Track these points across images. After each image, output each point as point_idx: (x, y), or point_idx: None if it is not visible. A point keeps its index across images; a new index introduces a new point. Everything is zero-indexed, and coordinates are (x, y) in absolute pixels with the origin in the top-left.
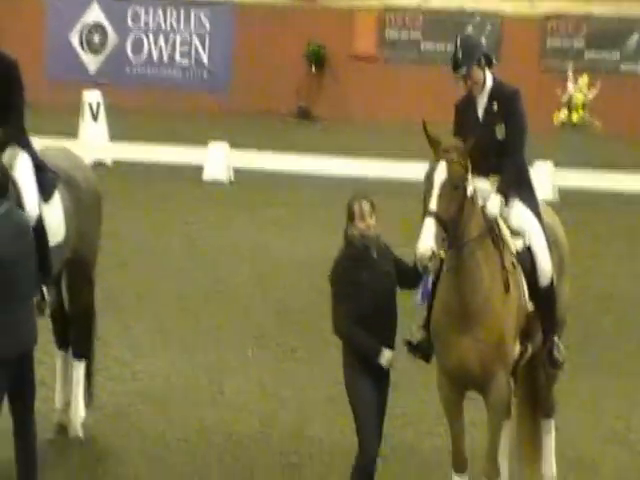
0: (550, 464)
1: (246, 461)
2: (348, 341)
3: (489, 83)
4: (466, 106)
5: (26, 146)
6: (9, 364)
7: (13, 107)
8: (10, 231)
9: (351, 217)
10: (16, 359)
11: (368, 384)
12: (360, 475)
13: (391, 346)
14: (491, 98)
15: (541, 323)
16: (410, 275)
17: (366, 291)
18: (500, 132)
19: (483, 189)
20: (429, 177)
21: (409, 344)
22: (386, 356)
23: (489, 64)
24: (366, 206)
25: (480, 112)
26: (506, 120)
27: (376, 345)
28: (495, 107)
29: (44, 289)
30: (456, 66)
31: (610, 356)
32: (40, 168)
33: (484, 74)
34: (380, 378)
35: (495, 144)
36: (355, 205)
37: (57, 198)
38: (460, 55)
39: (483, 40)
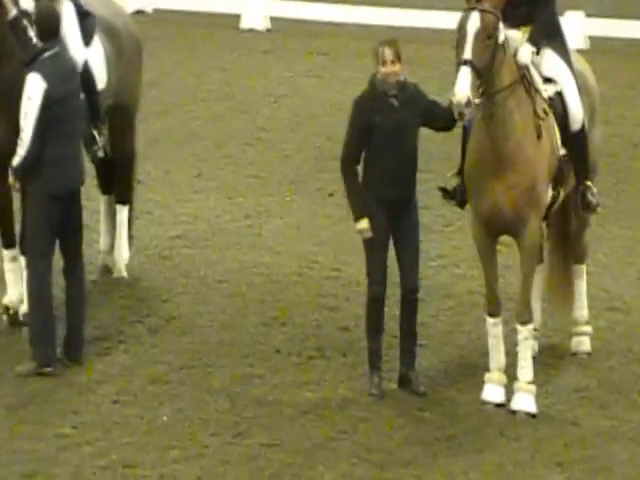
0: (582, 308)
1: (285, 302)
2: (343, 183)
3: None
4: None
5: None
6: (59, 200)
7: None
8: (59, 71)
9: (376, 62)
10: (65, 196)
11: (379, 217)
12: (370, 308)
13: (405, 193)
14: None
15: (574, 168)
16: (444, 117)
17: (378, 135)
18: None
19: (515, 38)
20: (462, 26)
21: (444, 190)
22: (359, 225)
23: None
24: (389, 52)
25: None
26: None
27: (359, 205)
28: None
29: (95, 133)
30: None
31: None
32: (82, 15)
33: None
34: (397, 215)
35: None
36: (379, 50)
37: (98, 44)
38: None
39: None
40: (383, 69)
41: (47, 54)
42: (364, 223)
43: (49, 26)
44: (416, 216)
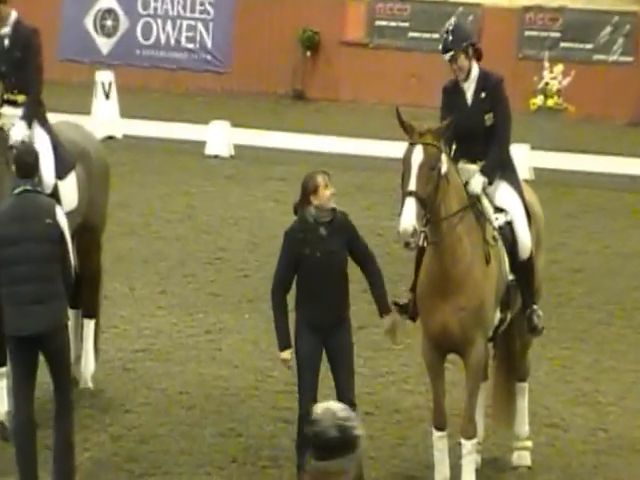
0: (523, 424)
1: (241, 414)
2: (272, 312)
3: (475, 72)
4: (454, 91)
5: (44, 123)
6: (22, 342)
7: (32, 73)
8: (16, 211)
9: (313, 191)
10: (30, 340)
11: (310, 340)
12: (301, 424)
13: (336, 317)
14: (478, 87)
15: (521, 293)
16: (359, 256)
17: (308, 265)
18: (489, 120)
19: (468, 171)
20: (407, 159)
21: (397, 305)
22: (283, 355)
23: (478, 56)
24: (324, 177)
25: (469, 99)
26: (493, 108)
27: (283, 337)
28: (482, 95)
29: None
30: (445, 49)
31: (580, 325)
32: (56, 146)
33: (470, 63)
34: (330, 337)
35: (484, 131)
36: (318, 178)
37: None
38: (450, 39)
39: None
40: (325, 192)
41: (14, 192)
42: (287, 354)
43: (22, 165)
44: (350, 336)
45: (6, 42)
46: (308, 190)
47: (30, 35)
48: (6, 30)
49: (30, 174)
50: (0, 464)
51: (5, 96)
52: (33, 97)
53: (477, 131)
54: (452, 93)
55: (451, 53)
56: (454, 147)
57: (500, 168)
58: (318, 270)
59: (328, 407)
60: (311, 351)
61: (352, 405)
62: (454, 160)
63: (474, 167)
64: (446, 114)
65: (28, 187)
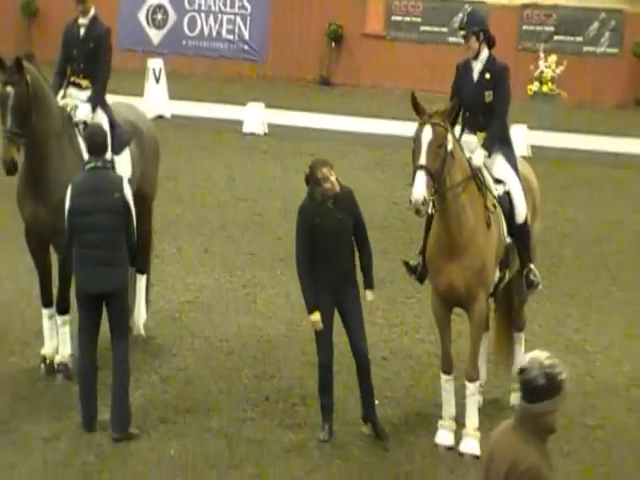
0: None
1: (274, 359)
2: (299, 281)
3: (484, 55)
4: (464, 68)
5: (104, 105)
6: (89, 299)
7: (102, 67)
8: (87, 185)
9: (317, 182)
10: (95, 297)
11: (324, 300)
12: (320, 371)
13: (345, 275)
14: (485, 68)
15: (518, 254)
16: (357, 233)
17: (320, 233)
18: (489, 97)
19: (470, 142)
20: (417, 137)
21: (407, 265)
22: (313, 317)
23: (489, 43)
24: (327, 169)
25: (475, 76)
26: (495, 89)
27: (311, 300)
28: (487, 76)
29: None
30: (460, 27)
31: (570, 283)
32: (113, 125)
33: (479, 46)
34: (341, 293)
35: (483, 106)
36: (318, 172)
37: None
38: (465, 21)
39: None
40: (327, 184)
41: (86, 168)
42: (316, 316)
43: (93, 143)
44: (358, 293)
45: (82, 31)
46: (312, 180)
47: (105, 33)
48: (84, 21)
49: (100, 152)
50: (65, 400)
51: (72, 78)
52: (100, 85)
53: (478, 105)
54: (462, 70)
55: (462, 33)
56: (460, 119)
57: (498, 143)
58: (329, 236)
59: (535, 357)
60: (326, 309)
61: (366, 353)
62: (461, 130)
63: (475, 140)
64: (455, 88)
65: (99, 164)
